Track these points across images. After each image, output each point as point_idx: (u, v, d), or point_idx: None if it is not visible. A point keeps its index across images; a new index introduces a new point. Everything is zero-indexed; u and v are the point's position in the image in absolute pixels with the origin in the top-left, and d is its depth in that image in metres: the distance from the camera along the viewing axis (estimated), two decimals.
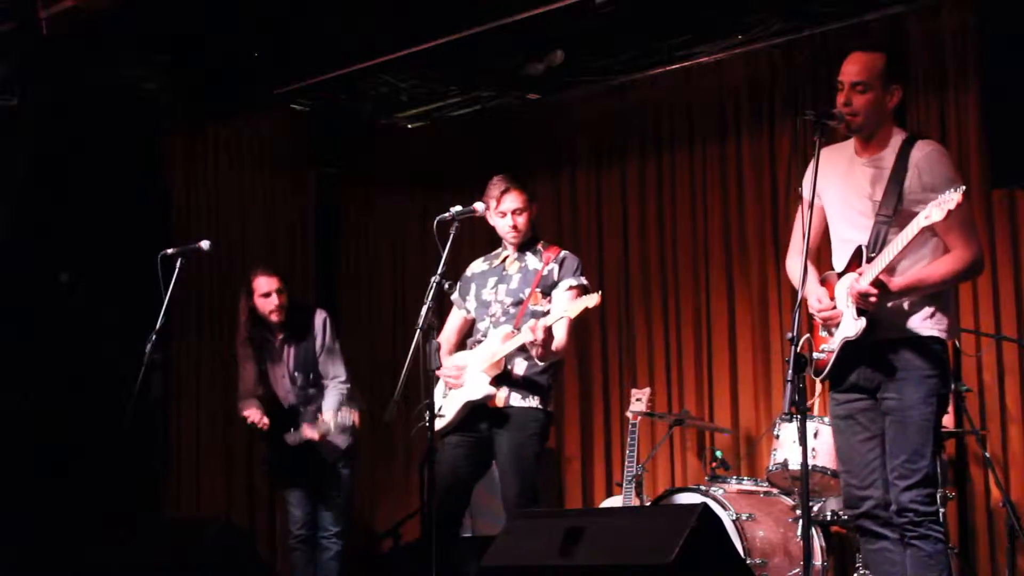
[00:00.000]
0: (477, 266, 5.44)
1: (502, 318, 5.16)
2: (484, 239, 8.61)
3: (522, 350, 5.06)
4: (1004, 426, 6.44)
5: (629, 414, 6.58)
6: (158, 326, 5.58)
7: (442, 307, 4.86)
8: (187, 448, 7.70)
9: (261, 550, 6.70)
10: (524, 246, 5.30)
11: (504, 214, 5.23)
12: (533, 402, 5.13)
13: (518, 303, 5.16)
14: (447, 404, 5.21)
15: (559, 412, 6.93)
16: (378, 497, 8.58)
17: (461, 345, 5.41)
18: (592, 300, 4.92)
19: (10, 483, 6.60)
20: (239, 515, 7.60)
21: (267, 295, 6.35)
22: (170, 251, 5.76)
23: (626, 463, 6.37)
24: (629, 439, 6.42)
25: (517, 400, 5.12)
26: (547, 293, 5.19)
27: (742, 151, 7.48)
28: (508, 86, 7.93)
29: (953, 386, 5.53)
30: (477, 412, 5.15)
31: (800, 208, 4.35)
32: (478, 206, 5.09)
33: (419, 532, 7.40)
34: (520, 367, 5.14)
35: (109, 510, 6.56)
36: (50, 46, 6.62)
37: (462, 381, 5.16)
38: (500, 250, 5.38)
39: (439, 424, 5.15)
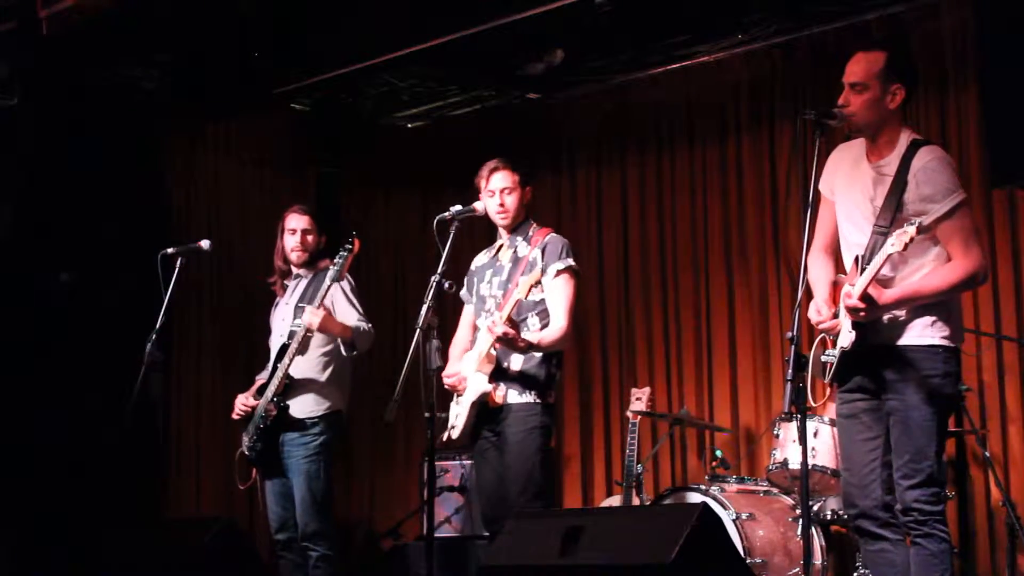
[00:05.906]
0: (478, 260, 5.38)
1: (495, 312, 5.01)
2: (484, 239, 8.63)
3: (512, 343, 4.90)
4: (1004, 426, 6.45)
5: (629, 413, 6.57)
6: (158, 326, 5.58)
7: (442, 307, 4.84)
8: (187, 448, 7.69)
9: (261, 550, 6.66)
10: (516, 230, 5.20)
11: (493, 193, 5.16)
12: (530, 397, 4.99)
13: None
14: (457, 411, 5.09)
15: (559, 411, 6.91)
16: (378, 497, 8.57)
17: None
18: (534, 276, 4.86)
19: (10, 483, 6.60)
20: (239, 515, 7.58)
21: (292, 232, 5.95)
22: (170, 251, 5.75)
23: (626, 462, 6.37)
24: (629, 438, 6.42)
25: (514, 396, 5.00)
26: (540, 282, 5.03)
27: (742, 151, 7.48)
28: (508, 86, 7.93)
29: None
30: (486, 413, 5.03)
31: (821, 203, 4.34)
32: (478, 206, 5.09)
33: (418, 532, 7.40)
34: (516, 361, 5.02)
35: (109, 510, 6.56)
36: (50, 46, 6.62)
37: (464, 385, 5.05)
38: (497, 240, 5.31)
39: (455, 434, 5.07)
